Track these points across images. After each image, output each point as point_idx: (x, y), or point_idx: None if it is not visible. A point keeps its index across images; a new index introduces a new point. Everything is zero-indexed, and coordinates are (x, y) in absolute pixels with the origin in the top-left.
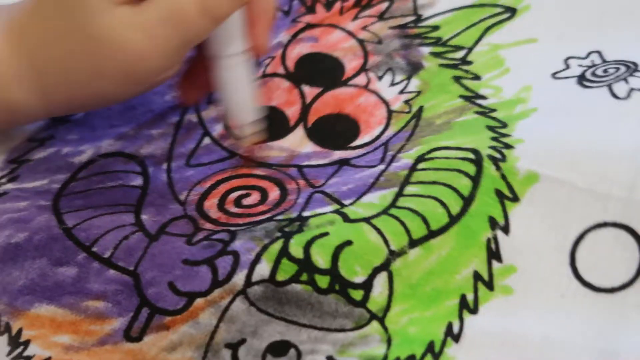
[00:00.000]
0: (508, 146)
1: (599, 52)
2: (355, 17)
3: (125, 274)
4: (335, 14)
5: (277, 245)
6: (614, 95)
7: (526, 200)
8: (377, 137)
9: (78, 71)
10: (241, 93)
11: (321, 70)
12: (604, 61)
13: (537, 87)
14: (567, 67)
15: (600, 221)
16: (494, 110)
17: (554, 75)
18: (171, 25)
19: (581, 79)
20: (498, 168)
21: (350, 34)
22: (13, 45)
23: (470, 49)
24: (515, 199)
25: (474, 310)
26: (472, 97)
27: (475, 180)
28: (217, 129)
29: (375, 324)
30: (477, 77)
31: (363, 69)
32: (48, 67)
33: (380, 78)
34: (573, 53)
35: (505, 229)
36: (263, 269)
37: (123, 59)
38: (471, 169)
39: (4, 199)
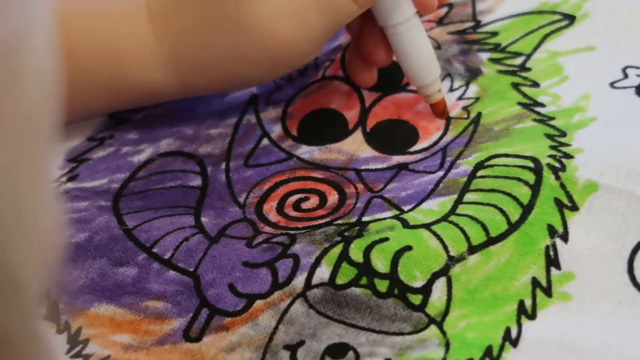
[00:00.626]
0: (567, 155)
1: None
2: None
3: (185, 275)
4: None
5: (337, 249)
6: None
7: (585, 209)
8: (436, 143)
9: (221, 58)
10: (421, 53)
11: (380, 74)
12: None
13: (596, 96)
14: (626, 76)
15: None
16: (552, 118)
17: (612, 84)
18: (323, 12)
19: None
20: (557, 177)
21: None
22: (157, 30)
23: (529, 56)
24: (574, 207)
25: (532, 316)
26: (530, 105)
27: (535, 188)
28: (276, 130)
29: (433, 328)
30: (535, 84)
31: None
32: (190, 54)
33: None
34: (631, 62)
35: (564, 237)
36: (323, 272)
37: (272, 46)
38: (531, 177)
39: (64, 198)
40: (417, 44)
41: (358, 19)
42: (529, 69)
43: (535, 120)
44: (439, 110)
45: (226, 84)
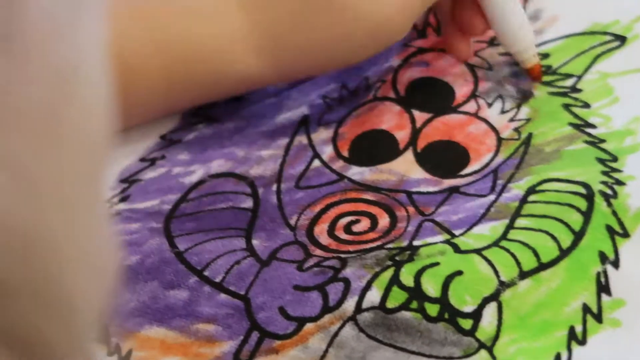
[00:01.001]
0: (619, 182)
1: None
2: None
3: (236, 298)
4: None
5: (387, 274)
6: None
7: (637, 236)
8: (487, 165)
9: (323, 40)
10: (516, 18)
11: (432, 95)
12: None
13: None
14: None
15: None
16: (603, 140)
17: None
18: None
19: None
20: (609, 204)
21: None
22: (250, 19)
23: (579, 77)
24: (625, 234)
25: (582, 342)
26: (581, 126)
27: (587, 215)
28: (327, 152)
29: (483, 353)
30: (586, 105)
31: (473, 95)
32: (289, 38)
33: (490, 105)
34: None
35: (615, 264)
36: (373, 296)
37: (370, 24)
38: (582, 204)
39: (116, 219)
40: (511, 9)
41: None
42: (580, 90)
43: (586, 142)
44: (535, 74)
45: (325, 65)
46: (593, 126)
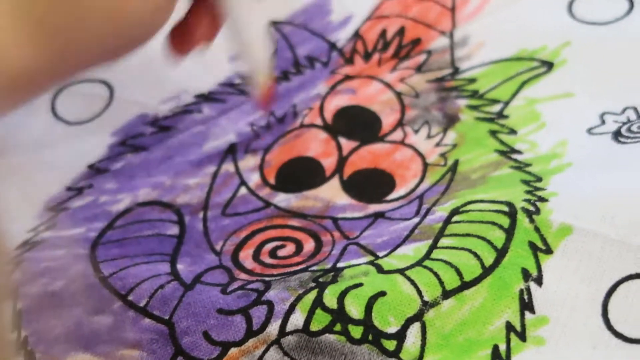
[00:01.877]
0: (542, 199)
1: (634, 108)
2: (394, 69)
3: (160, 322)
4: (373, 66)
5: (311, 295)
6: None
7: (559, 252)
8: (413, 190)
9: (67, 18)
10: (251, 32)
11: (358, 124)
12: None
13: (573, 142)
14: (603, 122)
15: (633, 272)
16: (529, 164)
17: (589, 130)
18: None
19: (616, 135)
20: (532, 221)
21: (388, 85)
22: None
23: (506, 103)
24: (548, 251)
25: None
26: (507, 152)
27: (509, 232)
28: (254, 179)
29: None
30: (513, 132)
31: (400, 124)
32: (42, 20)
33: (416, 131)
34: (609, 108)
35: (538, 281)
36: (297, 319)
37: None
38: (505, 221)
39: (41, 246)
40: (246, 22)
41: None
42: (506, 117)
43: (512, 167)
44: (263, 100)
45: (78, 50)
46: (519, 152)
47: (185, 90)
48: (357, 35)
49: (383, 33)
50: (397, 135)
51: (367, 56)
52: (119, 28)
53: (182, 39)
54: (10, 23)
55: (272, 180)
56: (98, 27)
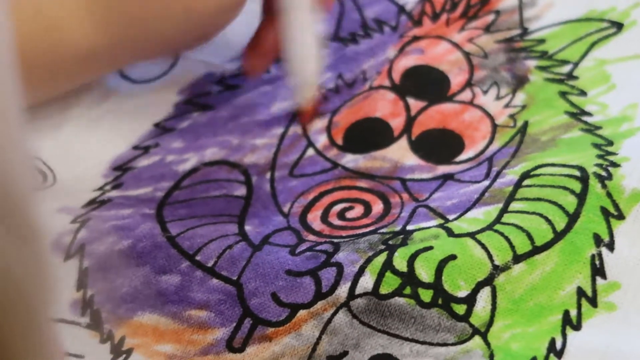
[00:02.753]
0: (614, 164)
1: None
2: (462, 29)
3: (228, 283)
4: (441, 26)
5: (380, 258)
6: None
7: (631, 218)
8: (482, 152)
9: (140, 3)
10: (305, 46)
11: (427, 84)
12: None
13: None
14: None
15: None
16: (599, 127)
17: None
18: None
19: None
20: (604, 186)
21: (457, 45)
22: None
23: (576, 64)
24: (620, 216)
25: (577, 327)
26: (577, 114)
27: (581, 197)
28: (321, 140)
29: (477, 339)
30: (583, 93)
31: (469, 84)
32: (115, 3)
33: (485, 92)
34: None
35: (610, 246)
36: (366, 282)
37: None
38: (577, 186)
39: (108, 206)
40: (302, 39)
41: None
42: (576, 77)
43: (582, 129)
44: (302, 116)
45: (148, 40)
46: (589, 114)
47: None
48: None
49: None
50: (466, 95)
51: (435, 17)
52: (189, 23)
53: (256, 56)
54: (84, 5)
55: (339, 141)
56: (174, 15)
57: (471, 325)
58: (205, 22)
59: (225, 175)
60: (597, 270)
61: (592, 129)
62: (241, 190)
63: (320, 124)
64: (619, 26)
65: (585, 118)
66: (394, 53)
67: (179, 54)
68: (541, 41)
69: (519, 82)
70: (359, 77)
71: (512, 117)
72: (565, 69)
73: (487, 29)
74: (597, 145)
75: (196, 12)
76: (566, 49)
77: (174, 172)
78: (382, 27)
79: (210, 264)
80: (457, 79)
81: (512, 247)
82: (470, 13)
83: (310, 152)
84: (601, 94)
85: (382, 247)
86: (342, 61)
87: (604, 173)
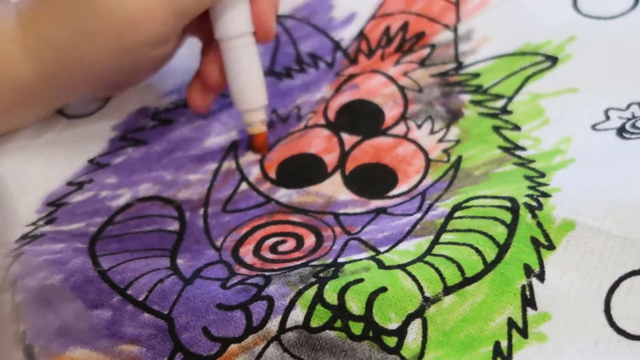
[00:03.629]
0: (545, 195)
1: (639, 104)
2: (397, 63)
3: (159, 317)
4: (377, 61)
5: (311, 291)
6: None
7: (562, 248)
8: (415, 187)
9: (72, 34)
10: (249, 75)
11: (361, 118)
12: None
13: (577, 139)
14: (607, 118)
15: (636, 268)
16: (532, 161)
17: (593, 126)
18: None
19: (621, 131)
20: (534, 216)
21: (391, 79)
22: (20, 18)
23: (510, 98)
24: (551, 246)
25: (507, 358)
26: (511, 149)
27: (511, 228)
28: (254, 173)
29: None
30: (516, 128)
31: (403, 117)
32: (47, 33)
33: (419, 126)
34: (613, 104)
35: (541, 277)
36: (297, 315)
37: (117, 23)
38: (507, 216)
39: (40, 240)
40: (247, 64)
41: (207, 34)
42: (510, 112)
43: (515, 163)
44: (258, 144)
45: (83, 70)
46: (523, 149)
47: (187, 84)
48: (361, 35)
49: (387, 30)
50: (400, 129)
51: (370, 53)
52: (122, 57)
53: (201, 90)
54: (19, 39)
55: (273, 175)
56: (105, 48)
57: (402, 358)
58: (137, 56)
59: (158, 211)
60: (528, 300)
61: (525, 163)
62: (174, 226)
63: (253, 156)
64: (553, 60)
65: (518, 152)
66: (330, 92)
67: (116, 92)
68: (476, 75)
69: (453, 116)
70: (293, 112)
71: (445, 151)
72: (500, 103)
73: (422, 62)
74: (529, 177)
75: (127, 45)
76: (501, 83)
77: (107, 207)
78: (317, 63)
79: (141, 298)
80: (391, 113)
81: (442, 278)
82: (406, 47)
83: (244, 186)
84: (535, 129)
85: (313, 280)
86: (276, 96)
87: (534, 203)
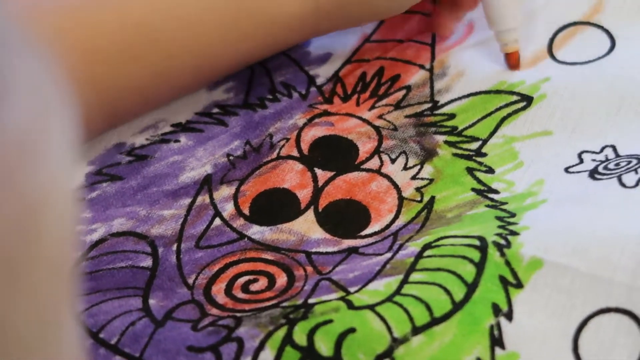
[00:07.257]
0: (513, 233)
1: (613, 147)
2: (372, 107)
3: None
4: (351, 105)
5: (281, 332)
6: (623, 185)
7: (530, 286)
8: (387, 226)
9: None
10: None
11: (335, 153)
12: (618, 155)
13: (549, 181)
14: (581, 161)
15: (604, 307)
16: (505, 203)
17: (567, 169)
18: None
19: (593, 173)
20: (502, 254)
21: (366, 121)
22: None
23: (485, 141)
24: (519, 285)
25: None
26: (484, 191)
27: (480, 266)
28: (228, 209)
29: None
30: (490, 170)
31: (377, 151)
32: None
33: (393, 161)
34: (587, 147)
35: (509, 316)
36: (267, 356)
37: None
38: (476, 255)
39: None
40: None
41: None
42: (484, 154)
43: (488, 206)
44: (512, 61)
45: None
46: (496, 192)
47: (163, 119)
48: (336, 77)
49: (362, 75)
50: (374, 162)
51: (345, 98)
52: None
53: (449, 13)
54: None
55: (246, 211)
56: None
57: None
58: None
59: (132, 247)
60: (496, 340)
61: (497, 205)
62: (147, 262)
63: (227, 191)
64: (528, 100)
65: (491, 195)
66: (303, 121)
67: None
68: (451, 116)
69: (428, 154)
70: (266, 141)
71: (419, 190)
72: (474, 145)
73: (398, 105)
74: (499, 218)
75: None
76: (476, 124)
77: (81, 242)
78: (291, 93)
79: (113, 341)
80: (365, 147)
81: (410, 318)
82: (381, 91)
83: (217, 222)
84: (508, 172)
85: (283, 321)
86: (250, 127)
87: (502, 242)
